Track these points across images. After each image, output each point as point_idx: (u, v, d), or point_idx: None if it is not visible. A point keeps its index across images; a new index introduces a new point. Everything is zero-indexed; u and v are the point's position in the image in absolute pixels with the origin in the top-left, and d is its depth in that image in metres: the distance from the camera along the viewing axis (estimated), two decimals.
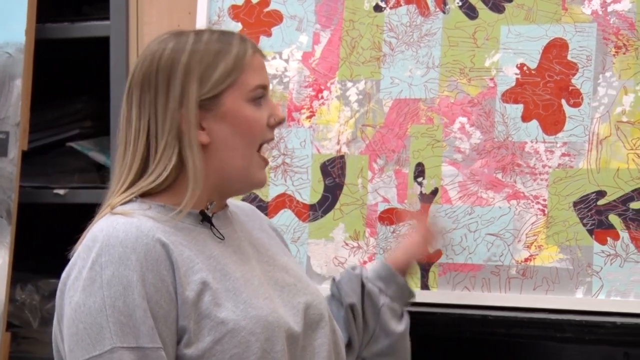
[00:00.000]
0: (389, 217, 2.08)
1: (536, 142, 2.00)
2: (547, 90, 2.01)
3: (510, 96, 2.03)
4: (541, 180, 1.99)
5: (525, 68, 2.02)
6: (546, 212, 1.98)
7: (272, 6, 2.21)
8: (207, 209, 1.63)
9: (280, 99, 2.16)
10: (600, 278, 1.94)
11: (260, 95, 1.63)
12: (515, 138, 2.02)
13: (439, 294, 2.03)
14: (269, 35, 2.20)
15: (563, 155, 1.99)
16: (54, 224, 2.42)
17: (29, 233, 2.52)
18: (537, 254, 1.98)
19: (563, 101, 2.00)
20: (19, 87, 2.45)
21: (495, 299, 2.00)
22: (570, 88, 1.99)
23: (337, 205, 2.11)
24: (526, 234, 1.99)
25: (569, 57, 2.00)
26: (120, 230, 1.53)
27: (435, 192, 2.06)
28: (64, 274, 1.56)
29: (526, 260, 1.99)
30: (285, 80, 2.18)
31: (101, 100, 2.51)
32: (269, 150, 2.11)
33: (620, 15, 1.97)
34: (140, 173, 1.60)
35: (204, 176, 1.60)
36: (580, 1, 2.00)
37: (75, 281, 1.52)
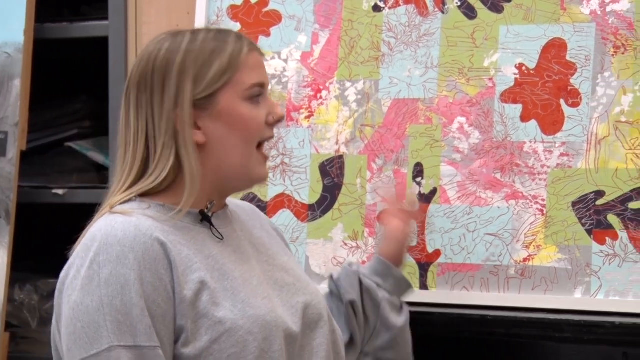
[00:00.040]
0: None
1: (535, 142, 2.00)
2: (546, 90, 2.01)
3: (509, 96, 2.03)
4: (540, 180, 1.99)
5: (524, 68, 2.02)
6: (545, 212, 1.98)
7: (271, 6, 2.21)
8: (207, 208, 1.63)
9: (279, 99, 2.16)
10: (599, 278, 1.94)
11: (257, 93, 1.63)
12: (514, 138, 2.02)
13: (437, 294, 2.03)
14: (268, 35, 2.20)
15: (562, 155, 1.99)
16: (52, 224, 2.42)
17: (27, 233, 2.52)
18: (535, 254, 1.98)
19: (562, 101, 2.00)
20: (18, 87, 2.45)
21: (494, 299, 2.00)
22: (569, 88, 2.00)
23: (336, 205, 2.11)
24: (525, 234, 1.99)
25: (567, 57, 2.00)
26: (118, 229, 1.53)
27: (434, 192, 2.06)
28: (62, 273, 1.56)
29: (525, 260, 1.99)
30: (284, 80, 2.18)
31: (100, 100, 2.50)
32: (269, 150, 2.11)
33: (619, 15, 1.97)
34: (141, 174, 1.61)
35: (201, 175, 1.60)
36: (579, 1, 2.00)
37: (74, 280, 1.52)
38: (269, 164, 2.12)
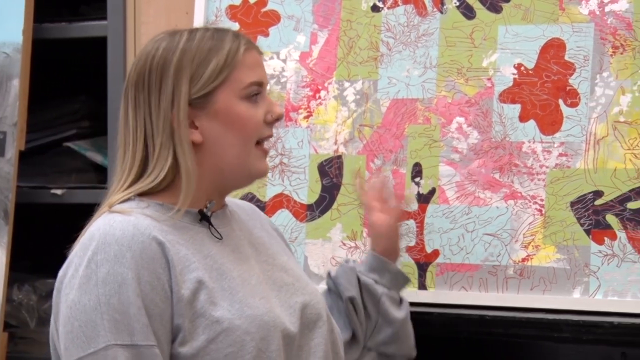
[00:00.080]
0: None
1: (533, 142, 2.00)
2: (545, 90, 2.01)
3: (507, 96, 2.03)
4: (538, 180, 1.99)
5: (522, 68, 2.02)
6: (543, 212, 1.98)
7: (270, 6, 2.21)
8: (206, 208, 1.63)
9: (278, 99, 2.16)
10: (598, 278, 1.94)
11: (255, 92, 1.63)
12: (513, 138, 2.02)
13: (436, 294, 2.03)
14: (267, 35, 2.20)
15: (560, 155, 1.99)
16: (51, 224, 2.42)
17: (26, 233, 2.52)
18: (534, 254, 1.98)
19: (560, 101, 2.00)
20: (17, 87, 2.45)
21: (492, 299, 2.00)
22: (568, 88, 2.00)
23: (335, 205, 2.11)
24: (523, 234, 1.99)
25: (566, 57, 2.00)
26: (117, 228, 1.53)
27: (432, 192, 2.06)
28: (61, 272, 1.56)
29: (523, 260, 1.99)
30: (282, 80, 2.18)
31: (99, 100, 2.50)
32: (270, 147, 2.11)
33: (618, 16, 1.97)
34: (140, 173, 1.61)
35: (199, 175, 1.60)
36: (578, 1, 2.00)
37: (72, 279, 1.52)
38: (268, 163, 2.12)
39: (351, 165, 2.11)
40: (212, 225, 1.63)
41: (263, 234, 1.74)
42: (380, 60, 2.12)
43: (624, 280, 1.93)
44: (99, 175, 2.55)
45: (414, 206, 2.06)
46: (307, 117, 2.15)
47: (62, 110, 2.64)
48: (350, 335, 1.83)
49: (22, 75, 2.45)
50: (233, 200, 1.79)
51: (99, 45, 2.44)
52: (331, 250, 2.11)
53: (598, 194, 1.96)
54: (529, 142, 2.01)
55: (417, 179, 2.07)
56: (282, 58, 2.19)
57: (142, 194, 1.61)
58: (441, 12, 2.09)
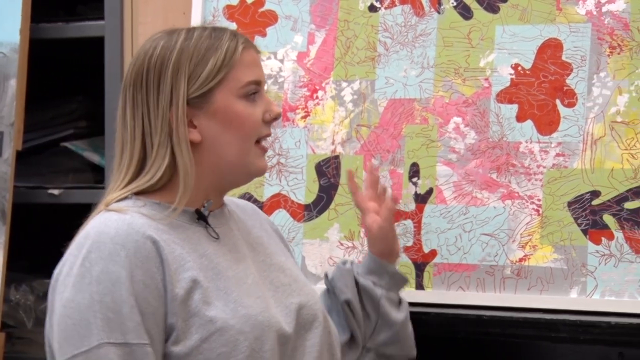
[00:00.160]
0: None
1: (531, 142, 2.01)
2: (542, 91, 2.01)
3: (504, 96, 2.03)
4: (536, 180, 2.00)
5: (519, 68, 2.02)
6: (541, 212, 1.99)
7: (267, 6, 2.21)
8: (204, 207, 1.63)
9: (275, 99, 2.16)
10: (595, 278, 1.94)
11: (253, 91, 1.63)
12: (510, 138, 2.02)
13: (433, 294, 2.03)
14: (264, 35, 2.20)
15: (557, 155, 1.99)
16: (48, 224, 2.42)
17: (23, 233, 2.52)
18: (531, 254, 1.98)
19: (557, 101, 2.00)
20: (14, 87, 2.45)
21: (489, 299, 2.00)
22: (565, 88, 2.00)
23: (332, 205, 2.11)
24: (521, 234, 1.99)
25: (563, 58, 2.00)
26: (111, 227, 1.53)
27: (430, 192, 2.06)
28: (56, 270, 1.57)
29: (521, 260, 1.99)
30: (280, 80, 2.18)
31: (96, 100, 2.50)
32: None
33: (615, 16, 1.98)
34: (138, 172, 1.61)
35: (197, 174, 1.60)
36: (575, 1, 2.00)
37: (66, 277, 1.52)
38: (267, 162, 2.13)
39: (349, 165, 2.11)
40: (209, 225, 1.63)
41: (262, 234, 1.74)
42: (377, 60, 2.12)
43: (621, 280, 1.93)
44: (96, 175, 2.55)
45: (411, 206, 2.06)
46: (304, 117, 2.15)
47: (59, 110, 2.64)
48: (348, 337, 1.83)
49: (20, 75, 2.45)
50: (233, 199, 1.79)
51: (96, 45, 2.44)
52: (329, 250, 2.11)
53: (595, 194, 1.96)
54: (526, 142, 2.01)
55: (414, 179, 2.07)
56: (280, 58, 2.19)
57: (139, 193, 1.61)
58: (438, 12, 2.09)
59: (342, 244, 2.10)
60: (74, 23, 2.53)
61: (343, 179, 2.11)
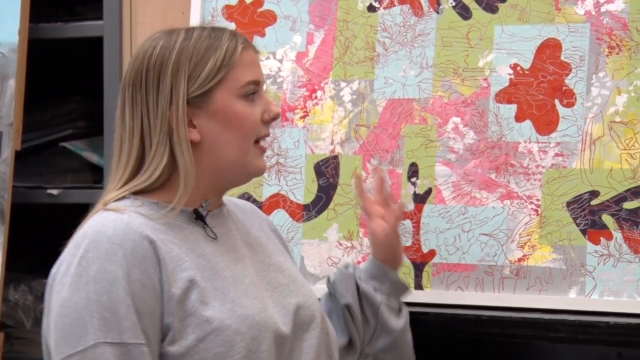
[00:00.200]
0: None
1: (529, 142, 2.01)
2: (541, 91, 2.01)
3: (503, 96, 2.03)
4: (534, 180, 2.00)
5: (518, 68, 2.02)
6: (539, 212, 1.99)
7: (266, 6, 2.21)
8: (202, 207, 1.63)
9: (274, 99, 2.16)
10: (594, 278, 1.94)
11: (252, 91, 1.63)
12: (509, 138, 2.02)
13: (432, 294, 2.03)
14: (263, 35, 2.20)
15: (556, 155, 1.99)
16: (47, 224, 2.42)
17: (22, 233, 2.52)
18: (530, 254, 1.98)
19: (556, 101, 2.00)
20: (12, 87, 2.45)
21: (488, 299, 2.00)
22: (564, 88, 2.00)
23: (331, 205, 2.11)
24: (519, 234, 1.99)
25: (562, 58, 2.00)
26: (109, 226, 1.53)
27: (428, 192, 2.06)
28: (53, 269, 1.57)
29: (519, 260, 1.99)
30: (279, 80, 2.18)
31: (95, 100, 2.50)
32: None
33: (614, 16, 1.98)
34: (136, 171, 1.61)
35: (196, 174, 1.60)
36: (574, 1, 2.00)
37: (63, 276, 1.53)
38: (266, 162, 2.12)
39: (347, 165, 2.11)
40: (207, 225, 1.63)
41: (261, 234, 1.74)
42: (376, 60, 2.12)
43: (620, 280, 1.93)
44: (95, 176, 2.55)
45: (410, 206, 2.06)
46: (303, 117, 2.16)
47: (58, 110, 2.64)
48: (347, 341, 1.83)
49: (18, 75, 2.45)
50: (232, 199, 1.79)
51: (95, 45, 2.44)
52: (327, 250, 2.11)
53: (594, 194, 1.96)
54: (525, 142, 2.01)
55: (413, 179, 2.07)
56: (279, 58, 2.19)
57: (137, 193, 1.61)
58: (437, 12, 2.09)
59: (340, 244, 2.10)
60: (72, 23, 2.53)
61: (342, 179, 2.11)
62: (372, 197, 1.91)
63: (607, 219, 1.95)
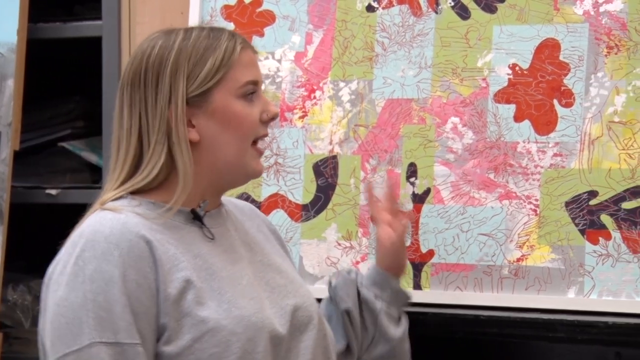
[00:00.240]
0: None
1: (528, 142, 2.01)
2: (539, 91, 2.01)
3: (502, 96, 2.03)
4: (533, 180, 2.00)
5: (517, 68, 2.02)
6: (538, 212, 1.99)
7: (265, 6, 2.21)
8: (199, 207, 1.63)
9: (273, 99, 2.16)
10: (592, 278, 1.94)
11: (251, 91, 1.64)
12: (508, 138, 2.02)
13: (431, 294, 2.03)
14: (262, 35, 2.20)
15: (555, 155, 1.99)
16: (46, 224, 2.42)
17: (21, 233, 2.52)
18: (529, 254, 1.98)
19: (555, 101, 2.00)
20: (11, 87, 2.45)
21: (487, 299, 2.00)
22: (562, 88, 2.00)
23: (330, 206, 2.11)
24: (518, 234, 1.99)
25: (561, 58, 2.00)
26: (106, 226, 1.53)
27: (427, 192, 2.06)
28: (49, 268, 1.57)
29: (518, 260, 1.99)
30: (277, 80, 2.18)
31: (93, 100, 2.50)
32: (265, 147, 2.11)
33: (612, 16, 1.98)
34: (134, 171, 1.61)
35: (195, 173, 1.60)
36: (572, 1, 2.00)
37: (60, 276, 1.53)
38: (263, 164, 2.12)
39: (346, 165, 2.11)
40: (205, 225, 1.63)
41: (259, 235, 1.74)
42: (375, 60, 2.12)
43: (618, 280, 1.93)
44: (94, 175, 2.55)
45: (409, 206, 2.06)
46: (302, 117, 2.16)
47: (56, 110, 2.64)
48: (344, 346, 1.83)
49: (17, 75, 2.45)
50: (231, 200, 1.79)
51: (94, 45, 2.44)
52: (326, 250, 2.11)
53: (593, 194, 1.96)
54: (524, 142, 2.01)
55: (412, 179, 2.07)
56: (277, 58, 2.19)
57: (135, 193, 1.61)
58: (436, 12, 2.09)
59: (339, 244, 2.10)
60: (71, 23, 2.53)
61: (341, 179, 2.11)
62: (383, 204, 1.91)
63: (605, 219, 1.95)
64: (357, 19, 2.13)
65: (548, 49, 2.01)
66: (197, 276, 1.56)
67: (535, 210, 1.99)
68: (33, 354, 2.51)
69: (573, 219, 1.96)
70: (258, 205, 2.14)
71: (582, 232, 1.96)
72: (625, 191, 1.94)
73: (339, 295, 1.84)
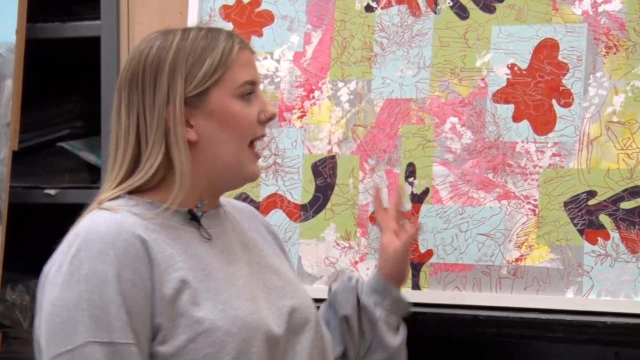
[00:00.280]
0: None
1: (527, 142, 2.01)
2: (538, 91, 2.01)
3: (501, 96, 2.03)
4: (532, 180, 2.00)
5: (516, 68, 2.02)
6: (537, 212, 1.99)
7: (263, 6, 2.21)
8: (197, 207, 1.63)
9: (272, 99, 2.16)
10: (591, 278, 1.95)
11: (248, 91, 1.63)
12: (506, 138, 2.02)
13: (430, 294, 2.03)
14: (260, 35, 2.20)
15: (554, 155, 1.99)
16: (44, 224, 2.42)
17: (19, 233, 2.52)
18: (527, 254, 1.98)
19: (554, 101, 2.00)
20: (10, 87, 2.45)
21: (486, 299, 2.00)
22: (561, 88, 2.00)
23: (328, 206, 2.11)
24: (517, 234, 1.99)
25: (559, 58, 2.00)
26: (102, 225, 1.53)
27: (426, 192, 2.06)
28: (45, 268, 1.57)
29: (517, 260, 1.99)
30: (276, 80, 2.18)
31: (92, 100, 2.50)
32: (261, 150, 2.11)
33: (611, 16, 1.98)
34: (131, 171, 1.61)
35: (192, 173, 1.60)
36: (571, 1, 2.00)
37: (56, 275, 1.53)
38: (262, 163, 2.13)
39: (345, 165, 2.11)
40: (202, 226, 1.63)
41: (257, 237, 1.74)
42: (373, 60, 2.12)
43: (617, 280, 1.93)
44: (92, 175, 2.55)
45: (408, 206, 2.06)
46: (300, 117, 2.15)
47: (55, 110, 2.64)
48: (341, 351, 1.83)
49: (16, 75, 2.45)
50: (231, 201, 1.79)
51: (93, 45, 2.44)
52: (325, 250, 2.11)
53: (591, 194, 1.96)
54: (523, 142, 2.01)
55: (410, 179, 2.07)
56: (276, 58, 2.19)
57: (132, 192, 1.61)
58: (435, 13, 2.09)
59: (338, 244, 2.10)
60: (70, 23, 2.53)
61: (339, 179, 2.11)
62: (389, 212, 1.91)
63: (604, 219, 1.95)
64: (356, 19, 2.13)
65: (547, 49, 2.01)
66: (193, 276, 1.56)
67: (533, 210, 1.99)
68: (32, 354, 2.51)
69: (572, 219, 1.97)
70: (257, 205, 2.14)
71: (581, 232, 1.96)
72: (623, 191, 1.94)
73: (338, 301, 1.84)
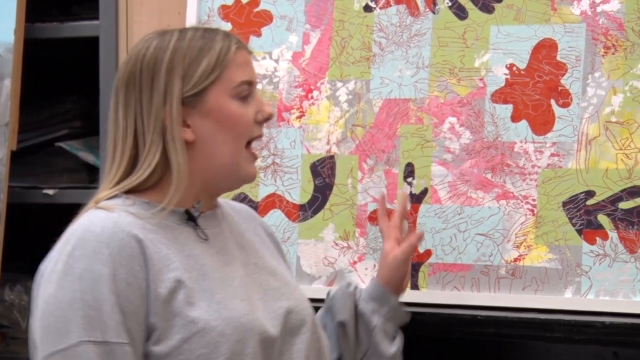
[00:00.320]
0: None
1: (525, 142, 2.01)
2: (537, 91, 2.01)
3: (499, 96, 2.03)
4: (530, 180, 2.00)
5: (514, 68, 2.03)
6: (535, 212, 1.99)
7: (262, 6, 2.21)
8: (194, 207, 1.63)
9: (270, 99, 2.16)
10: (589, 278, 1.95)
11: (245, 91, 1.63)
12: (505, 138, 2.02)
13: (428, 294, 2.03)
14: (259, 35, 2.20)
15: (552, 155, 1.99)
16: (43, 224, 2.42)
17: (18, 233, 2.52)
18: (526, 254, 1.99)
19: (552, 101, 2.00)
20: (8, 87, 2.45)
21: (484, 298, 2.00)
22: (560, 88, 2.00)
23: (327, 206, 2.11)
24: (515, 234, 1.99)
25: (558, 58, 2.00)
26: (97, 224, 1.53)
27: (424, 192, 2.06)
28: (41, 266, 1.57)
29: (515, 260, 1.99)
30: (275, 80, 2.18)
31: (90, 100, 2.50)
32: (260, 150, 2.11)
33: (609, 16, 1.98)
34: (129, 171, 1.61)
35: (189, 173, 1.60)
36: (570, 2, 2.00)
37: (51, 274, 1.53)
38: (260, 163, 2.13)
39: (344, 165, 2.11)
40: (198, 226, 1.63)
41: (255, 238, 1.74)
42: (372, 60, 2.12)
43: (615, 280, 1.93)
44: (91, 175, 2.55)
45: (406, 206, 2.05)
46: (299, 117, 2.15)
47: (54, 110, 2.64)
48: (337, 358, 1.83)
49: (14, 75, 2.44)
50: (229, 202, 1.79)
51: (91, 45, 2.43)
52: (323, 250, 2.11)
53: (590, 194, 1.96)
54: (521, 142, 2.01)
55: (409, 179, 2.07)
56: (275, 58, 2.19)
57: (129, 192, 1.61)
58: (433, 13, 2.09)
59: (337, 244, 2.10)
60: (68, 23, 2.53)
61: (338, 179, 2.11)
62: (392, 220, 1.92)
63: (602, 219, 1.95)
64: (355, 19, 2.13)
65: (545, 49, 2.01)
66: (188, 276, 1.56)
67: (532, 210, 1.99)
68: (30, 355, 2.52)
69: (570, 219, 1.97)
70: (255, 205, 2.14)
71: (579, 232, 1.96)
72: (622, 191, 1.95)
73: (335, 306, 1.84)
